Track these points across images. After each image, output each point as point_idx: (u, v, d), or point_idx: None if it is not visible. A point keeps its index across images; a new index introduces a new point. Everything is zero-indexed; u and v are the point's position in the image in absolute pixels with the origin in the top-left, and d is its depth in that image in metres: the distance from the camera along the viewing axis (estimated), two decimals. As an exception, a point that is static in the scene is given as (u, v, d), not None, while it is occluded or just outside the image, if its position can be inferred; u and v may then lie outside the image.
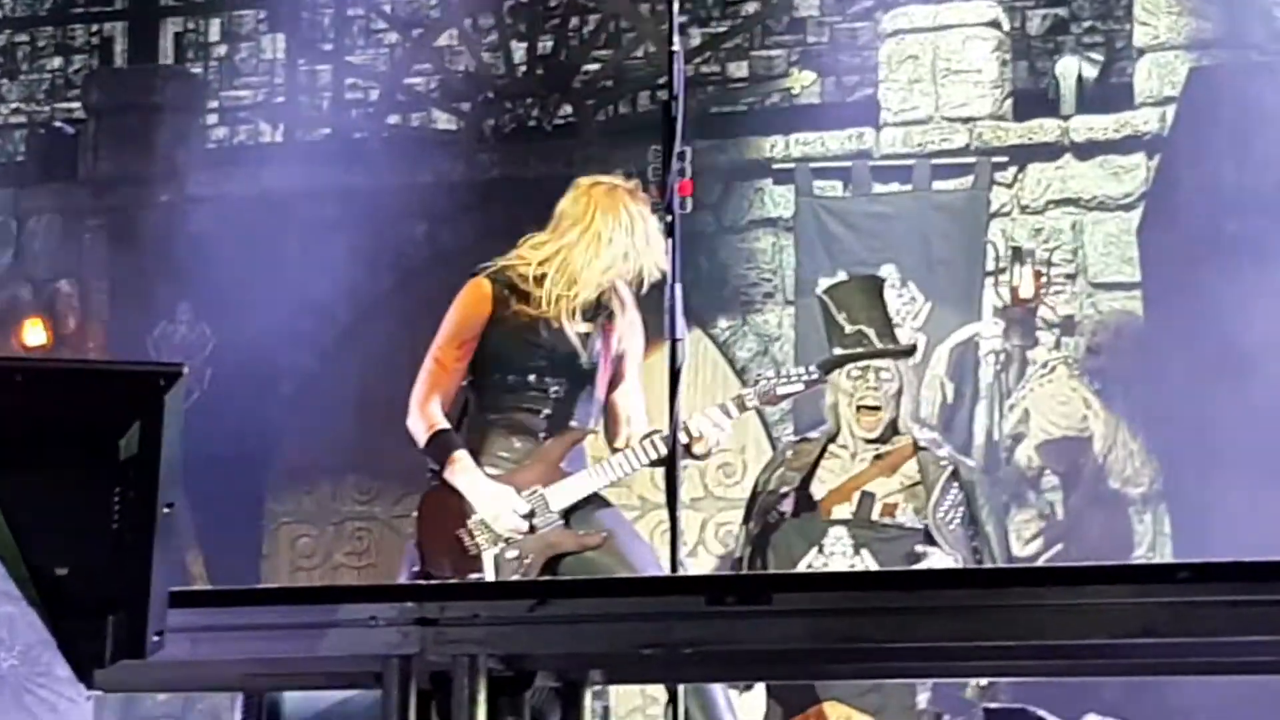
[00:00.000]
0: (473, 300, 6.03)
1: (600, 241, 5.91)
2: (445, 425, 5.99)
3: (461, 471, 5.92)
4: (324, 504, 10.33)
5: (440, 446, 5.96)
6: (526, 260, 5.98)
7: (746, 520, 7.05)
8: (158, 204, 10.50)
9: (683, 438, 5.77)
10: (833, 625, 3.45)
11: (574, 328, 5.98)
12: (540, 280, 5.95)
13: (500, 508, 5.90)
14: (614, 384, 6.10)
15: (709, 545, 9.60)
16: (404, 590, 3.81)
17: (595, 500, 6.05)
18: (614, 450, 6.06)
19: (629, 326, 6.07)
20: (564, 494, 5.97)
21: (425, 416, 5.98)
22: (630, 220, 5.89)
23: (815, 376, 6.37)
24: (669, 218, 4.79)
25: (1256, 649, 3.29)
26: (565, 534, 5.97)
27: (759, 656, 3.66)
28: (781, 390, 6.24)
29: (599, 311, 6.01)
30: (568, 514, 5.99)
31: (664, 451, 5.82)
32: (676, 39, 4.77)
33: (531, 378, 6.01)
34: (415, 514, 6.08)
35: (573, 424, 6.04)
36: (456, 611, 3.49)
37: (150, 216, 10.49)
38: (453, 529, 5.95)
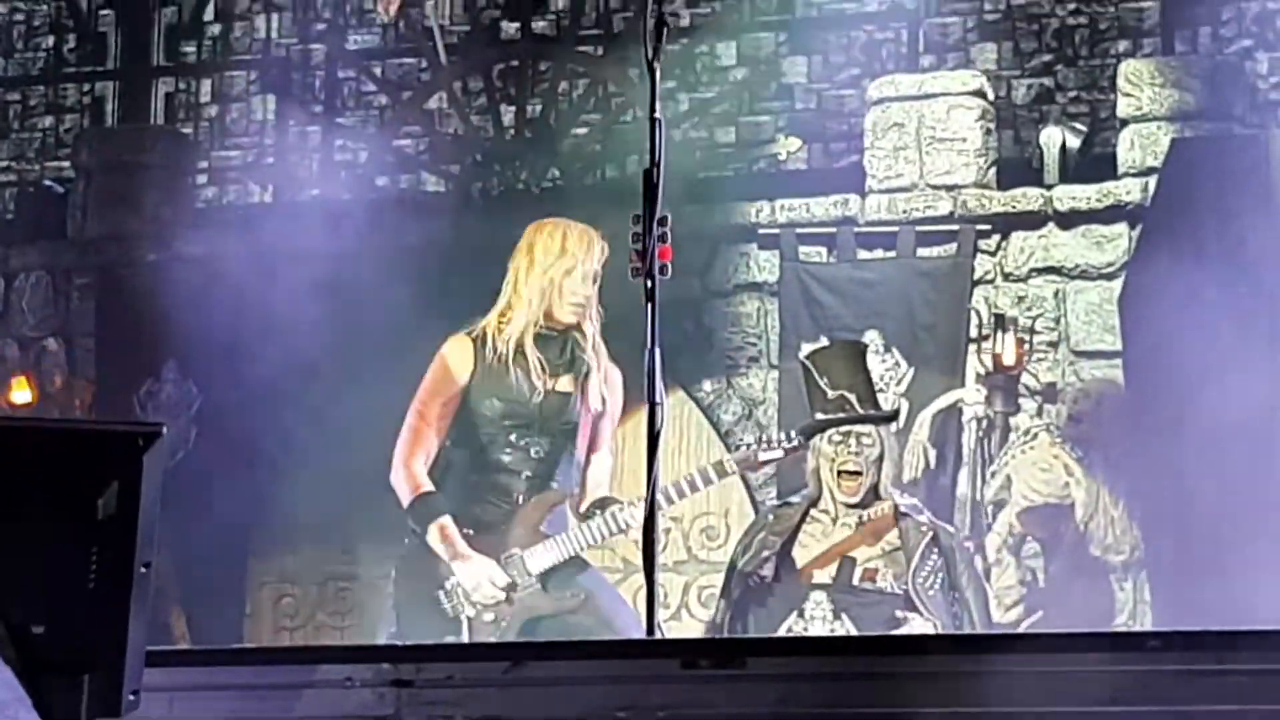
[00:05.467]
0: (453, 357, 6.09)
1: (544, 269, 5.98)
2: (430, 488, 6.01)
3: (445, 539, 5.95)
4: (308, 564, 10.32)
5: (425, 510, 5.98)
6: (502, 318, 6.05)
7: (727, 584, 7.07)
8: (146, 263, 10.51)
9: (619, 523, 5.85)
10: (807, 690, 3.47)
11: (554, 383, 6.03)
12: (513, 333, 6.01)
13: (480, 579, 5.93)
14: (592, 446, 6.14)
15: (691, 608, 9.60)
16: (380, 651, 3.82)
17: (575, 562, 6.08)
18: (581, 516, 6.08)
19: (608, 386, 6.11)
20: (542, 557, 6.00)
21: (410, 476, 6.02)
22: (567, 252, 5.98)
23: (796, 444, 6.41)
24: (649, 283, 4.83)
25: (1224, 718, 3.31)
26: (543, 598, 6.00)
27: (733, 720, 3.68)
28: (763, 457, 6.29)
29: (575, 368, 6.06)
30: (546, 576, 6.02)
31: (635, 522, 5.90)
32: (658, 106, 4.82)
33: (513, 437, 6.05)
34: (392, 576, 6.11)
35: (553, 485, 6.08)
36: (432, 673, 3.51)
37: (138, 275, 10.50)
38: (430, 592, 5.97)
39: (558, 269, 6.02)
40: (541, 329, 6.04)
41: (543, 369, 6.03)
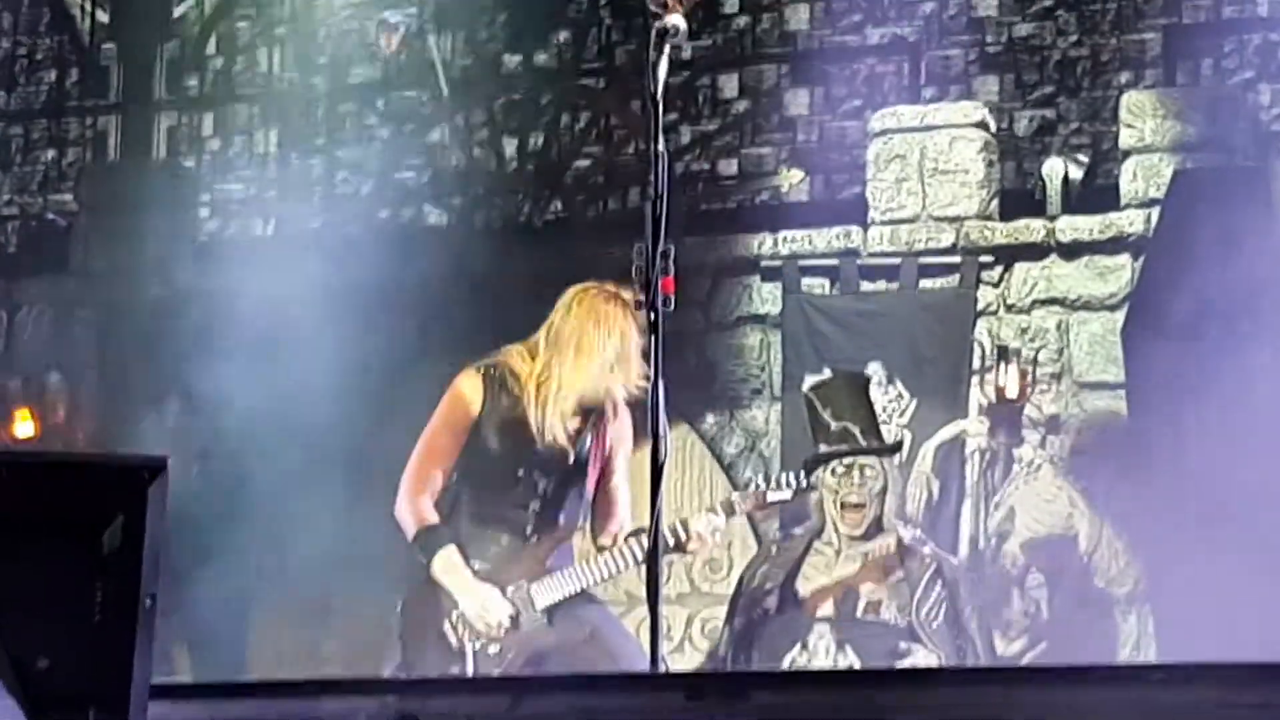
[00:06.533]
0: (464, 392, 6.11)
1: (589, 359, 5.99)
2: (434, 520, 6.03)
3: (449, 569, 5.97)
4: (312, 597, 10.31)
5: (430, 541, 6.01)
6: (522, 363, 6.06)
7: (731, 616, 7.08)
8: (148, 296, 10.53)
9: (680, 534, 5.85)
10: (812, 723, 3.46)
11: (565, 426, 6.05)
12: (536, 386, 6.03)
13: (485, 608, 5.94)
14: (601, 482, 6.16)
15: (695, 641, 9.59)
16: (386, 684, 3.81)
17: (582, 597, 6.09)
18: (599, 548, 6.11)
19: (620, 428, 6.13)
20: (549, 591, 6.02)
21: (415, 509, 6.04)
22: (619, 337, 5.98)
23: (805, 485, 6.43)
24: (652, 316, 4.83)
25: (1230, 750, 3.30)
26: (548, 632, 6.02)
27: (738, 754, 3.66)
28: (771, 498, 6.31)
29: (590, 412, 6.09)
30: (552, 610, 6.04)
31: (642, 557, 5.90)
32: (661, 140, 4.82)
33: (520, 473, 6.08)
34: (399, 608, 6.12)
35: (560, 520, 6.10)
36: (438, 706, 3.50)
37: (140, 309, 10.52)
38: (436, 624, 5.99)
39: (593, 346, 6.02)
40: (562, 393, 6.05)
41: (555, 415, 6.06)
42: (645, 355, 5.99)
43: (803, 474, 6.54)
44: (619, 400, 6.10)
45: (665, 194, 4.77)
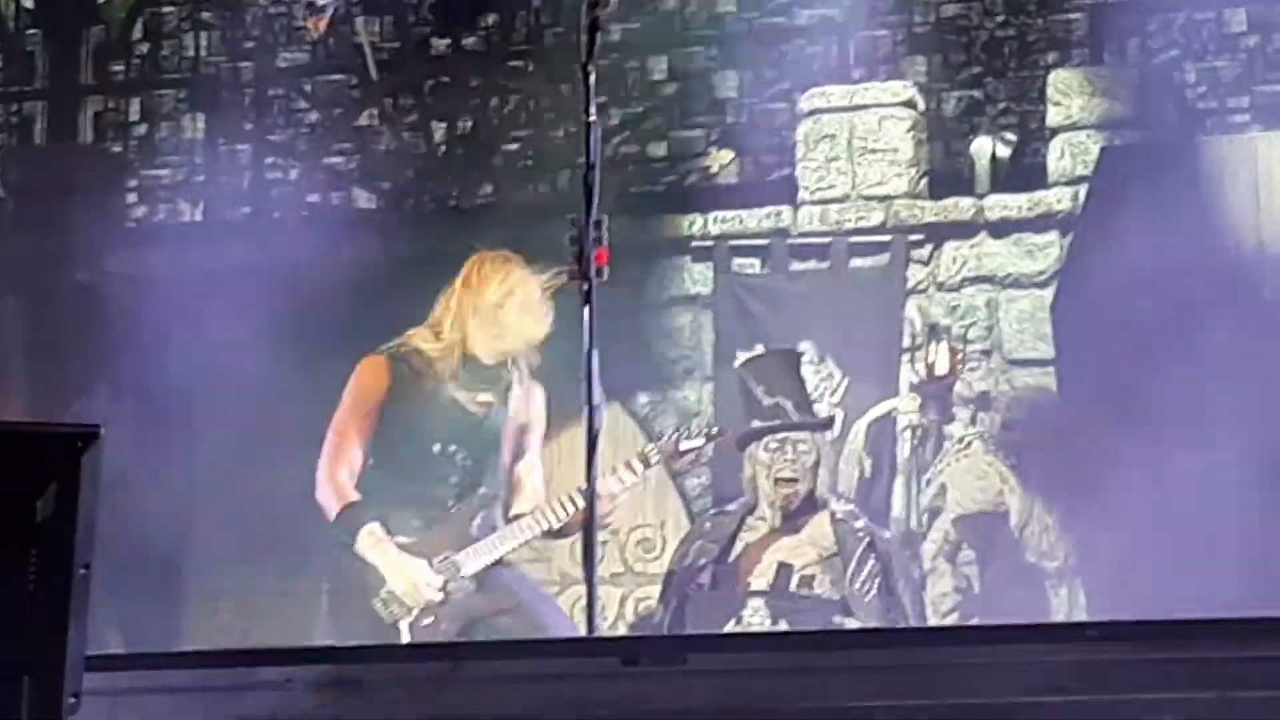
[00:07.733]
0: (368, 375, 6.18)
1: (491, 325, 6.03)
2: (355, 497, 6.06)
3: (374, 545, 5.99)
4: (242, 579, 10.27)
5: (352, 519, 6.03)
6: (426, 342, 6.10)
7: (665, 594, 7.10)
8: (76, 282, 10.46)
9: (549, 520, 5.89)
10: (749, 686, 3.47)
11: (475, 397, 6.08)
12: (444, 361, 6.06)
13: (414, 581, 5.96)
14: (517, 456, 6.20)
15: (628, 620, 9.59)
16: (323, 652, 3.81)
17: (509, 569, 6.14)
18: (509, 520, 6.14)
19: (528, 398, 6.17)
20: (475, 559, 6.04)
21: (337, 488, 6.06)
22: (516, 297, 6.02)
23: (716, 431, 6.47)
24: (585, 286, 4.84)
25: (1162, 705, 3.33)
26: (478, 599, 6.04)
27: (674, 718, 3.67)
28: (684, 445, 6.35)
29: (498, 382, 6.12)
30: (480, 578, 6.06)
31: (566, 516, 5.94)
32: (593, 108, 4.83)
33: (437, 447, 6.12)
34: (326, 589, 6.13)
35: (481, 490, 6.14)
36: (374, 674, 3.50)
37: (68, 295, 10.45)
38: (365, 602, 6.00)
39: (494, 303, 6.07)
40: (471, 358, 6.10)
41: (466, 388, 6.10)
42: (544, 313, 6.05)
43: (714, 426, 6.58)
44: (524, 369, 6.13)
45: (598, 164, 4.78)
